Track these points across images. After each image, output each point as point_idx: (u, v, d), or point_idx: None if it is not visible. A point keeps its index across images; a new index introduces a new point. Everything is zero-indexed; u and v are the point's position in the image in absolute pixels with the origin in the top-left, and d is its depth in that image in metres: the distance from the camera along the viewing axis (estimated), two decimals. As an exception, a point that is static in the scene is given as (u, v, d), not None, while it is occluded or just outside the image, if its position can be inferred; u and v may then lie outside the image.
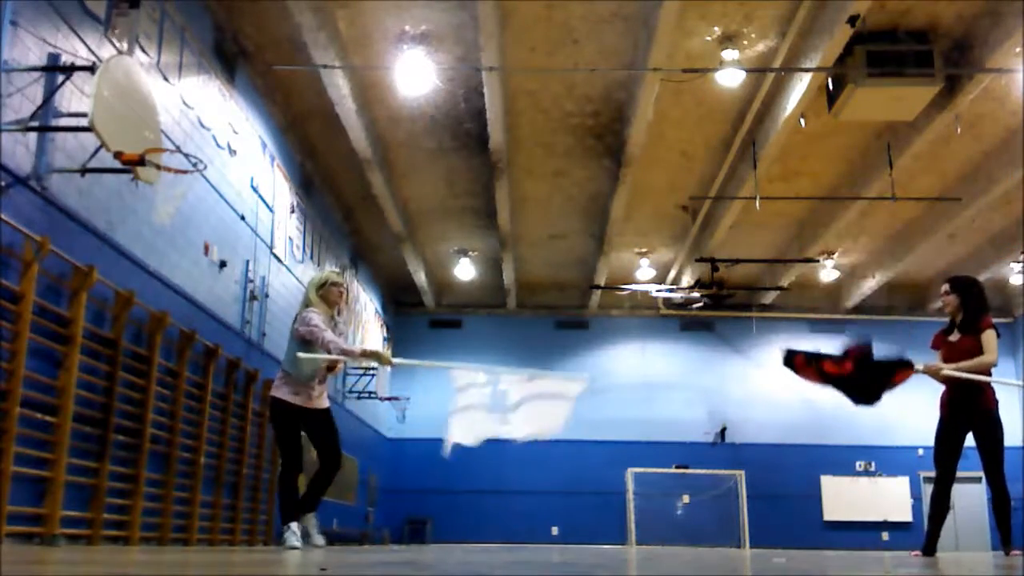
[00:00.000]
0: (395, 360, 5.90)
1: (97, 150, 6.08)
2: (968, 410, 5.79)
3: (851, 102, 10.27)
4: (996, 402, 5.79)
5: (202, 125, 8.85)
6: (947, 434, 5.89)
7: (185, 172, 7.24)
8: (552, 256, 17.51)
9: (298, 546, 5.33)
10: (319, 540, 5.53)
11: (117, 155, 5.98)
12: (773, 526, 18.09)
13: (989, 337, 5.77)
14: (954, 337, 5.93)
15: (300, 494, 5.54)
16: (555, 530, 18.53)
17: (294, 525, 5.41)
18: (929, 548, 5.85)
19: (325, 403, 5.74)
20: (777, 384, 19.67)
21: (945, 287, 6.07)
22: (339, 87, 10.23)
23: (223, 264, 9.45)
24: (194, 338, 8.38)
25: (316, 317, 5.48)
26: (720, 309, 18.66)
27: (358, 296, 15.89)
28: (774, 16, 9.74)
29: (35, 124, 5.91)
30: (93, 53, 6.63)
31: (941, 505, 5.85)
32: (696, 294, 16.92)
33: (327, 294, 5.70)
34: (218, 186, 9.29)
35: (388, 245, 16.11)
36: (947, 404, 5.93)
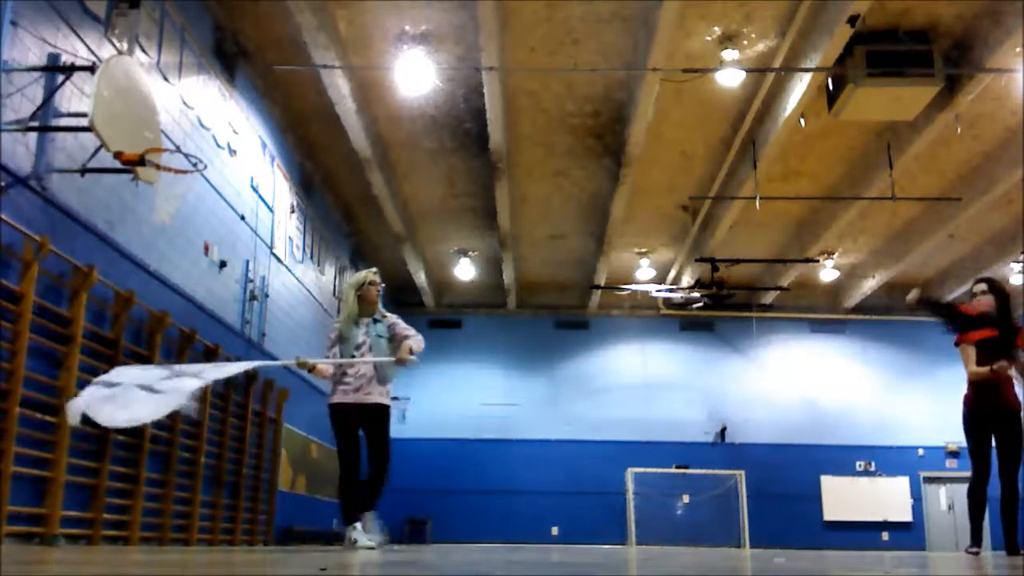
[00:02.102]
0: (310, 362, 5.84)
1: (97, 150, 6.08)
2: (995, 407, 5.95)
3: (851, 102, 10.26)
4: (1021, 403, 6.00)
5: (202, 125, 8.86)
6: (977, 429, 6.04)
7: (185, 172, 7.24)
8: (552, 256, 17.50)
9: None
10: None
11: (117, 155, 5.98)
12: (773, 526, 18.08)
13: None
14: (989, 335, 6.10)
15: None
16: (555, 530, 18.51)
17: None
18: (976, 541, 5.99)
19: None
20: (777, 384, 19.73)
21: (982, 287, 6.20)
22: (339, 87, 10.23)
23: (223, 264, 9.45)
24: (194, 338, 8.38)
25: (333, 334, 6.00)
26: (720, 309, 18.65)
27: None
28: (774, 16, 9.73)
29: (35, 124, 5.91)
30: (93, 53, 6.63)
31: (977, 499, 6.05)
32: (696, 294, 16.92)
33: (366, 293, 6.09)
34: (218, 186, 9.30)
35: (388, 245, 16.10)
36: (974, 401, 6.03)
